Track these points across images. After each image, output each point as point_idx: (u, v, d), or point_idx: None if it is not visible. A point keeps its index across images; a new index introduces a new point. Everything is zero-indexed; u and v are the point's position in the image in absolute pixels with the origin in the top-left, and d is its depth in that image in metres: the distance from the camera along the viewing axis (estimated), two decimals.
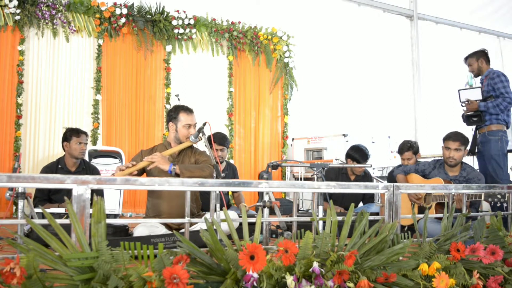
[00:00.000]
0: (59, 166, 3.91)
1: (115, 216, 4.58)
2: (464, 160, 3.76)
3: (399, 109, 7.85)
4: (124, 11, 5.80)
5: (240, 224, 1.87)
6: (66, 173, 3.86)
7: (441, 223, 2.10)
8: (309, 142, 6.53)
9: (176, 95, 5.55)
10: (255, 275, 1.37)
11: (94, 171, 4.07)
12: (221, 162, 4.09)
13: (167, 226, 3.09)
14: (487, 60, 4.38)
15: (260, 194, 2.38)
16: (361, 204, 4.66)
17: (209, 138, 3.09)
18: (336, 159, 5.97)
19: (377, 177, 5.15)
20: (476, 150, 4.25)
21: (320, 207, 2.47)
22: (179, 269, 1.29)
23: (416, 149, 4.47)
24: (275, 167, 2.86)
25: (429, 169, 3.81)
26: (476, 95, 4.24)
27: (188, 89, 6.17)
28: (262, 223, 2.26)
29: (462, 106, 4.33)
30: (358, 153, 4.44)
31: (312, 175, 6.11)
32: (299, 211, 5.69)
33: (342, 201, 4.43)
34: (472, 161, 5.16)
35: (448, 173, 3.70)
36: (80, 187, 1.56)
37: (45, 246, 1.39)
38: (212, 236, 1.49)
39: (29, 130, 5.39)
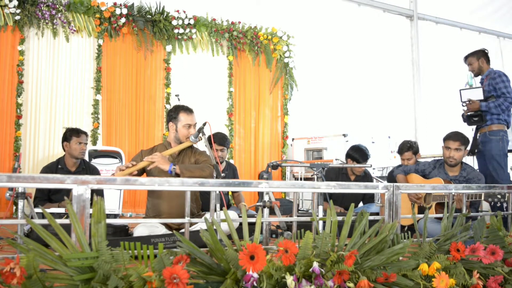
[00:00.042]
0: (59, 166, 3.91)
1: (115, 216, 4.58)
2: (464, 160, 3.76)
3: (399, 109, 7.84)
4: (124, 11, 5.80)
5: (240, 224, 1.87)
6: (66, 173, 3.86)
7: (441, 223, 2.10)
8: (309, 142, 6.53)
9: (176, 95, 5.54)
10: (255, 275, 1.37)
11: (94, 171, 4.07)
12: (221, 162, 4.09)
13: (167, 226, 3.08)
14: (488, 60, 4.38)
15: (260, 194, 2.38)
16: (361, 204, 4.66)
17: (209, 138, 3.09)
18: (336, 159, 5.96)
19: (377, 177, 5.15)
20: (476, 150, 4.25)
21: (320, 207, 2.47)
22: (179, 269, 1.29)
23: (416, 149, 4.47)
24: (275, 167, 2.87)
25: (429, 169, 3.80)
26: (477, 95, 4.23)
27: (188, 89, 6.17)
28: (262, 223, 2.26)
29: (463, 106, 4.33)
30: (358, 153, 4.44)
31: (312, 175, 6.11)
32: (299, 211, 5.69)
33: (342, 201, 4.43)
34: (472, 161, 5.16)
35: (448, 173, 3.70)
36: (80, 187, 1.56)
37: (45, 246, 1.39)
38: (212, 236, 1.49)
39: (29, 130, 5.38)
